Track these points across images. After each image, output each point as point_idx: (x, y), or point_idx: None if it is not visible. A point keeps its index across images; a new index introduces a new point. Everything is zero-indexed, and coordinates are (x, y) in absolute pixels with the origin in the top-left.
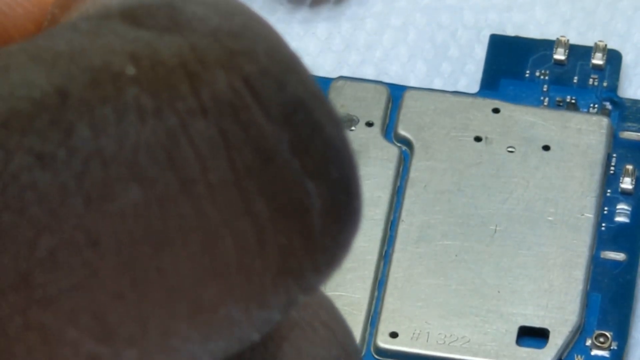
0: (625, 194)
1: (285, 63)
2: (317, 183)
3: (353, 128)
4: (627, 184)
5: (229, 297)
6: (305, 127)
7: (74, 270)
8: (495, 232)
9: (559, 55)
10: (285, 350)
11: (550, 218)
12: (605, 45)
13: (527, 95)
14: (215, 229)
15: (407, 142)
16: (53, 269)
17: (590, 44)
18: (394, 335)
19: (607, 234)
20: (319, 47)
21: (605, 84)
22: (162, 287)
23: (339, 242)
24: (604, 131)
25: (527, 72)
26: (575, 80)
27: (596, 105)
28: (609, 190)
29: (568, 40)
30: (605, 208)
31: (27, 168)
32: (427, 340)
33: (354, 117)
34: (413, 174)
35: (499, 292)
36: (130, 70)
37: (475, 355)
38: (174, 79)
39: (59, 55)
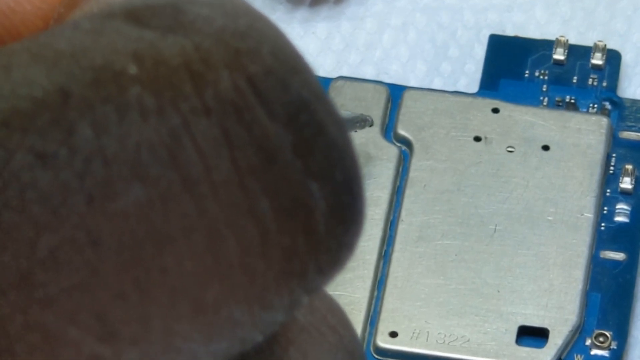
0: (624, 193)
1: (290, 63)
2: (321, 184)
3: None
4: (626, 183)
5: (232, 298)
6: (309, 128)
7: (75, 269)
8: (495, 232)
9: (559, 55)
10: (292, 354)
11: (550, 218)
12: (605, 45)
13: (526, 95)
14: (219, 228)
15: (406, 142)
16: (54, 268)
17: (590, 44)
18: (393, 334)
19: (606, 234)
20: (319, 47)
21: (604, 84)
22: (164, 287)
23: (342, 243)
24: (603, 131)
25: (527, 72)
26: (574, 80)
27: (596, 105)
28: (608, 190)
29: (567, 40)
30: (605, 208)
31: (28, 167)
32: (427, 340)
33: (368, 118)
34: (413, 173)
35: (498, 291)
36: (133, 69)
37: (475, 354)
38: (176, 78)
39: (60, 54)
